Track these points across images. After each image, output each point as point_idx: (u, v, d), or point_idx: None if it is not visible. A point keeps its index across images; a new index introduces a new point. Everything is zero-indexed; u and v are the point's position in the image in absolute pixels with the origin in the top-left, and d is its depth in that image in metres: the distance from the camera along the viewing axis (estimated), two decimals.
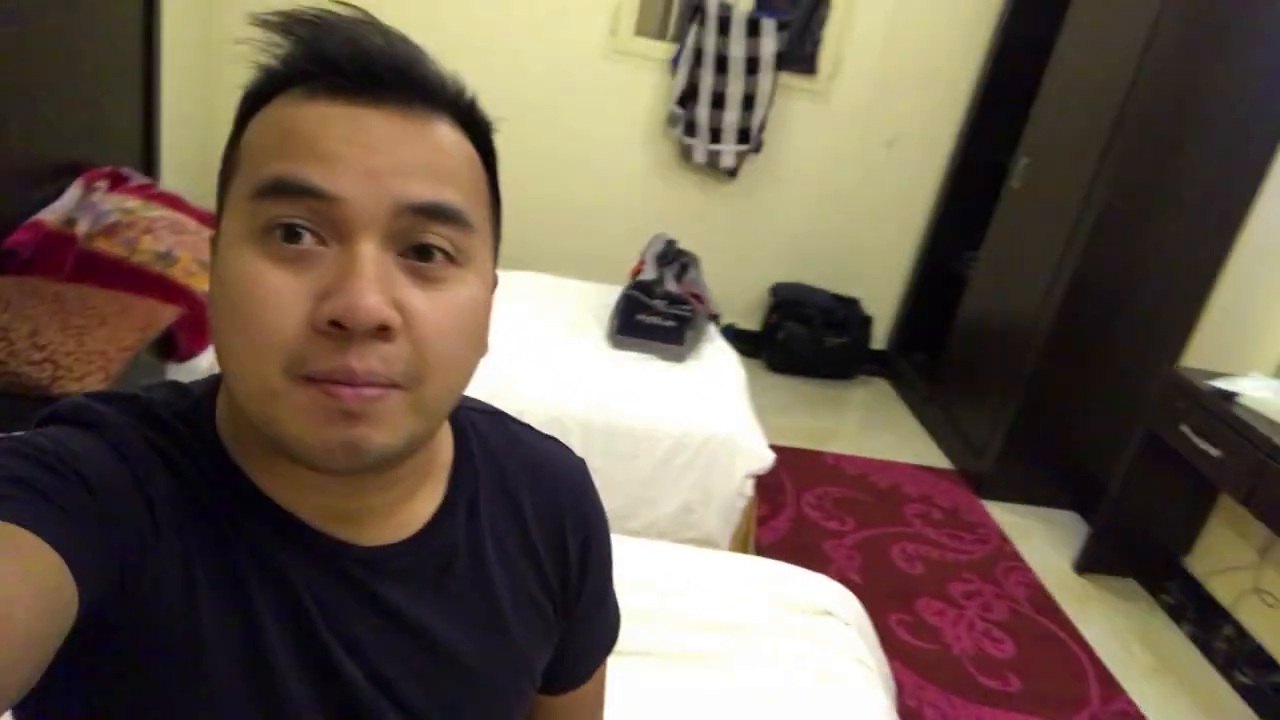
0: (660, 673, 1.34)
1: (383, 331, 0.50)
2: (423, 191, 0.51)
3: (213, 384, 0.60)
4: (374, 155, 0.50)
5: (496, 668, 0.66)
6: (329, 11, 0.53)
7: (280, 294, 0.50)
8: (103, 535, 0.49)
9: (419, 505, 0.63)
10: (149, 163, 2.74)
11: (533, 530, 0.70)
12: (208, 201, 2.43)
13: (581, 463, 0.77)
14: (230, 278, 0.51)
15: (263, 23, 0.52)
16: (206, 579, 0.54)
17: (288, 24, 0.52)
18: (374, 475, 0.57)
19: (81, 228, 2.09)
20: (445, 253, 0.53)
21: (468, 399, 0.72)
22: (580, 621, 0.75)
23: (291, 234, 0.50)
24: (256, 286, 0.50)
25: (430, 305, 0.52)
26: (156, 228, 2.18)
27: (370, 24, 0.53)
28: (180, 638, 0.52)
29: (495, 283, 0.64)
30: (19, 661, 0.40)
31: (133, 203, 2.24)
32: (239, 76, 0.55)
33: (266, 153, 0.52)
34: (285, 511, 0.57)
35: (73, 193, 2.20)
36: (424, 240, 0.52)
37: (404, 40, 0.54)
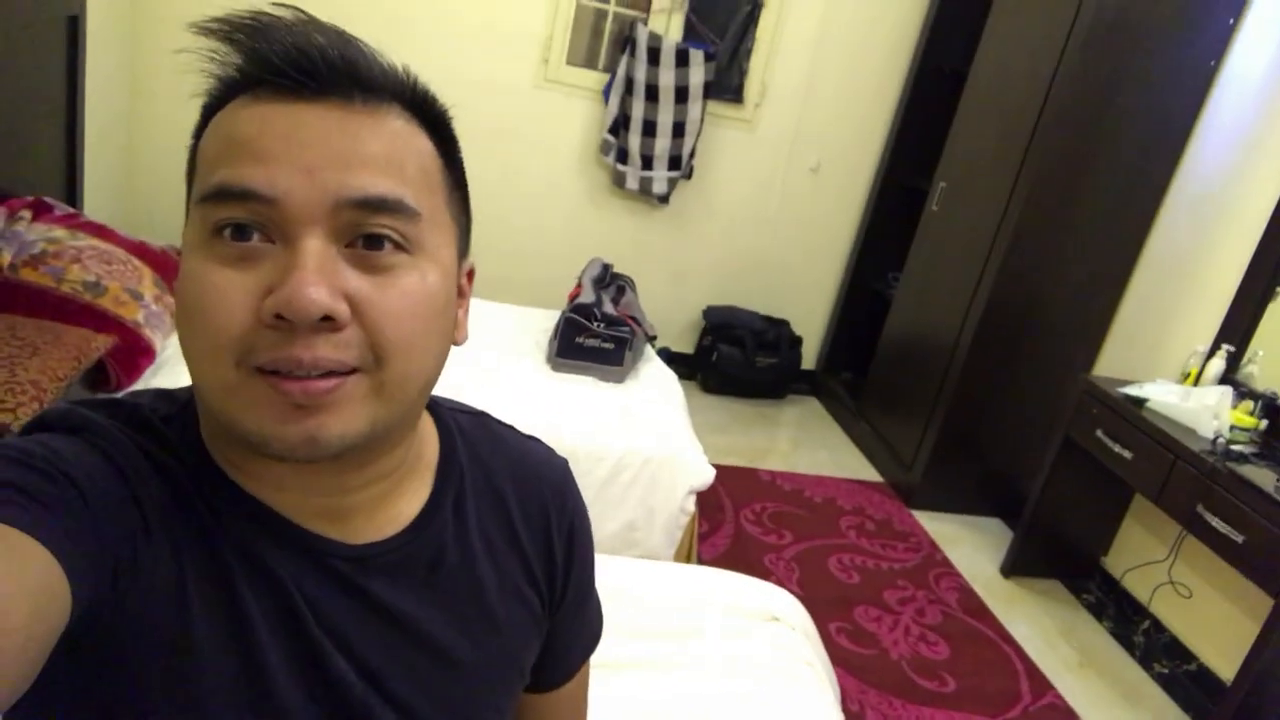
0: (615, 680, 1.37)
1: (328, 322, 0.50)
2: (362, 185, 0.52)
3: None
4: (310, 151, 0.51)
5: (486, 662, 0.67)
6: (266, 14, 0.53)
7: (228, 291, 0.50)
8: (94, 536, 0.49)
9: (405, 503, 0.64)
10: (71, 191, 2.67)
11: (519, 526, 0.71)
12: (132, 231, 2.40)
13: (564, 461, 0.79)
14: (184, 282, 0.52)
15: (203, 30, 0.52)
16: (197, 579, 0.54)
17: (228, 30, 0.53)
18: (353, 470, 0.58)
19: (6, 258, 2.03)
20: (394, 241, 0.53)
21: (451, 402, 0.74)
22: (565, 617, 0.76)
23: (239, 232, 0.51)
24: (206, 286, 0.51)
25: (380, 293, 0.52)
26: (84, 257, 2.14)
27: (309, 22, 0.53)
28: (172, 637, 0.53)
29: (471, 271, 0.66)
30: (14, 662, 0.41)
31: (59, 232, 2.19)
32: (175, 88, 0.56)
33: (213, 159, 0.53)
34: (272, 511, 0.58)
35: None
36: (371, 230, 0.53)
37: (343, 36, 0.54)
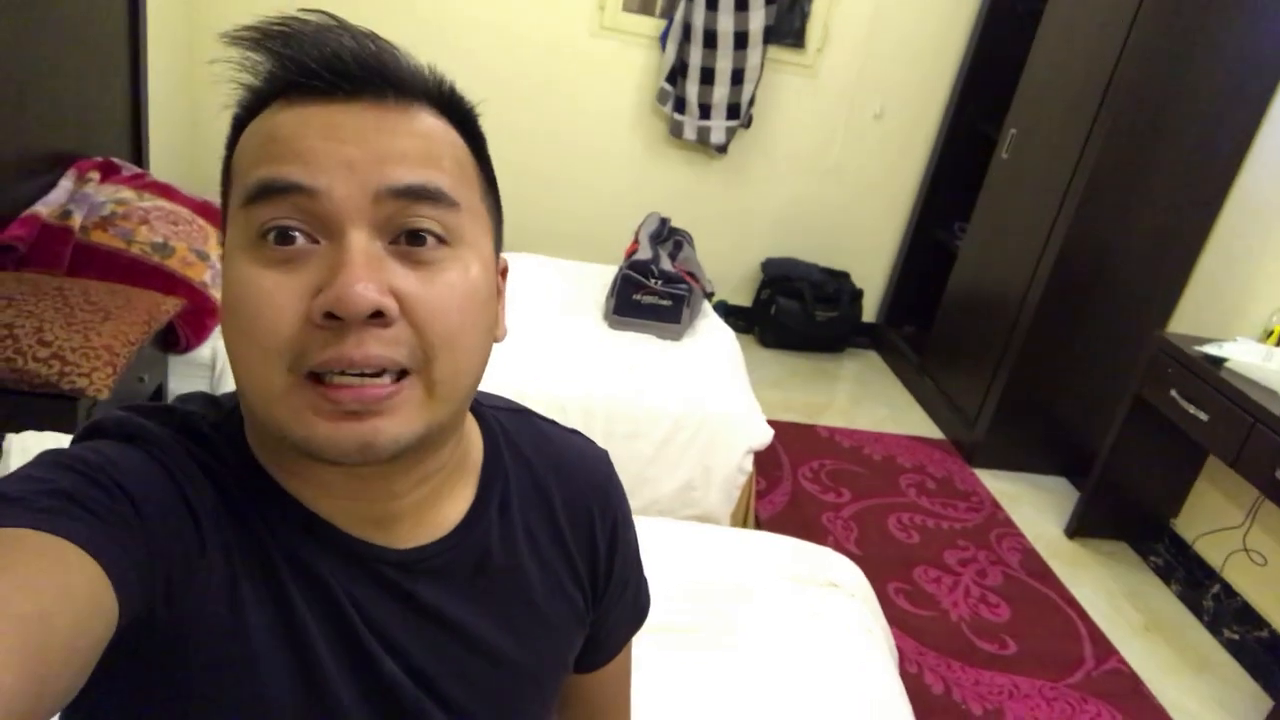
0: (671, 647, 1.38)
1: (378, 318, 0.50)
2: (402, 175, 0.52)
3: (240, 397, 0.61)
4: (350, 147, 0.51)
5: (533, 661, 0.68)
6: (296, 19, 0.53)
7: (276, 294, 0.50)
8: (146, 548, 0.49)
9: (451, 506, 0.64)
10: (138, 151, 2.72)
11: (564, 525, 0.71)
12: (197, 191, 2.43)
13: (605, 455, 0.79)
14: (231, 287, 0.52)
15: (236, 40, 0.53)
16: (250, 587, 0.55)
17: (260, 39, 0.53)
18: (401, 474, 0.58)
19: (77, 220, 2.08)
20: (435, 235, 0.54)
21: (493, 398, 0.74)
22: (609, 604, 0.76)
23: (283, 237, 0.51)
24: (253, 290, 0.51)
25: (425, 288, 0.53)
26: (152, 218, 2.18)
27: (339, 26, 0.54)
28: (229, 647, 0.53)
29: (505, 268, 0.65)
30: (59, 674, 0.41)
31: (126, 193, 2.23)
32: (223, 77, 0.55)
33: (252, 161, 0.53)
34: (320, 518, 0.58)
35: (65, 184, 2.18)
36: (412, 224, 0.53)
37: (373, 38, 0.55)
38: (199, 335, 2.13)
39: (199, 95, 3.30)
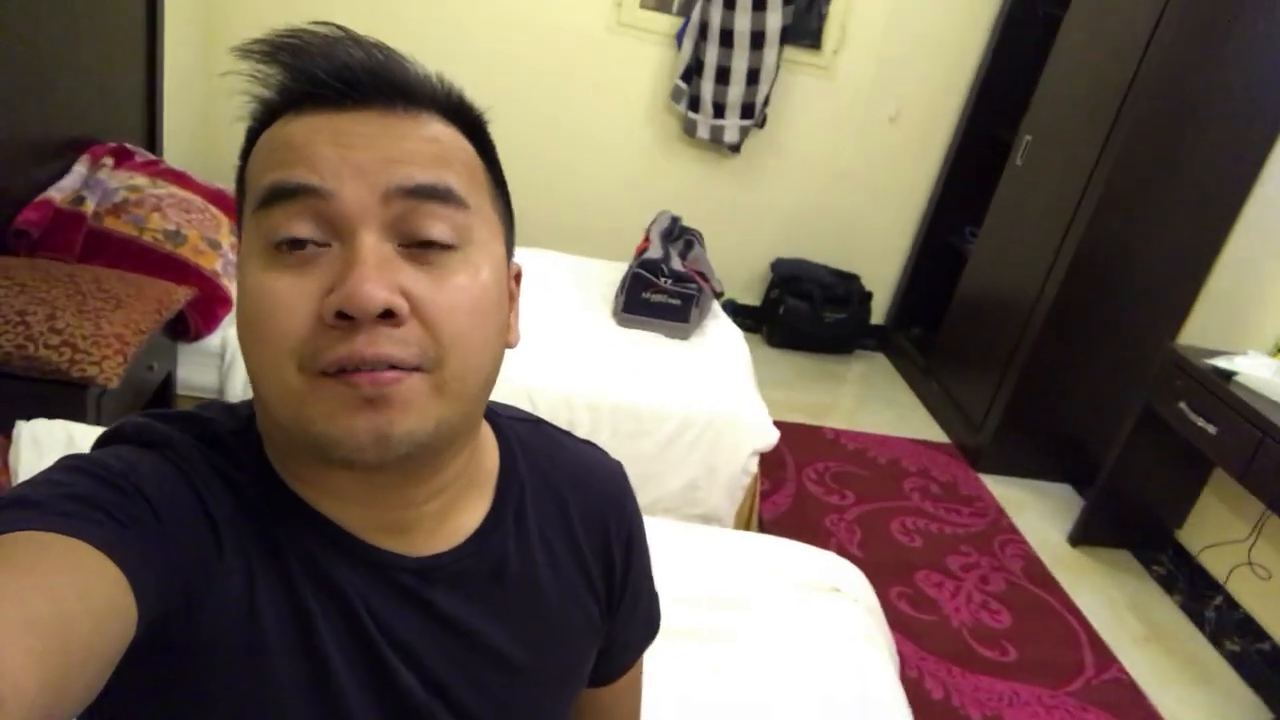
0: (671, 649, 1.38)
1: (389, 317, 0.51)
2: (412, 174, 0.53)
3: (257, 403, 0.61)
4: (359, 152, 0.52)
5: (548, 670, 0.68)
6: (306, 31, 0.54)
7: (287, 296, 0.51)
8: (165, 553, 0.50)
9: (467, 515, 0.64)
10: (152, 138, 2.73)
11: (579, 535, 0.71)
12: (210, 178, 2.44)
13: (619, 465, 0.79)
14: (245, 293, 0.53)
15: (247, 53, 0.54)
16: (267, 593, 0.55)
17: (271, 51, 0.54)
18: (416, 483, 0.58)
19: (90, 206, 2.09)
20: (445, 236, 0.54)
21: (508, 408, 0.74)
22: (622, 617, 0.76)
23: (296, 244, 0.52)
24: (266, 293, 0.52)
25: (436, 289, 0.53)
26: (164, 205, 2.19)
27: (347, 37, 0.55)
28: (243, 651, 0.54)
29: (519, 273, 0.65)
30: (78, 676, 0.41)
31: (140, 180, 2.24)
32: (237, 87, 0.56)
33: (264, 168, 0.54)
34: (337, 526, 0.58)
35: (79, 169, 2.19)
36: (422, 224, 0.53)
37: (381, 48, 0.56)
38: (209, 324, 2.14)
39: (213, 85, 3.30)
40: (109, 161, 2.27)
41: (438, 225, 0.54)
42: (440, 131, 0.56)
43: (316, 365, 0.51)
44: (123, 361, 1.68)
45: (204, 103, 3.26)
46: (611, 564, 0.74)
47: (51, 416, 1.54)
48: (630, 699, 0.84)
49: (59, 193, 2.07)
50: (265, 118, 0.56)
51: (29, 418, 1.51)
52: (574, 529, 0.71)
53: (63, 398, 1.64)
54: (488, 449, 0.67)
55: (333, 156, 0.52)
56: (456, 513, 0.63)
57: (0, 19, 1.82)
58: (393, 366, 0.51)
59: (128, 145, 2.40)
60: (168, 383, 2.13)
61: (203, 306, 2.10)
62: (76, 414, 1.61)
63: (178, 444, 0.55)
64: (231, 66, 0.54)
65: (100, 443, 0.57)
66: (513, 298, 0.63)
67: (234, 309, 2.22)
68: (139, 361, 1.81)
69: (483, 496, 0.66)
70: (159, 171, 2.34)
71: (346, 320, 0.50)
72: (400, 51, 0.57)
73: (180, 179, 2.34)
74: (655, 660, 1.31)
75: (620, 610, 0.76)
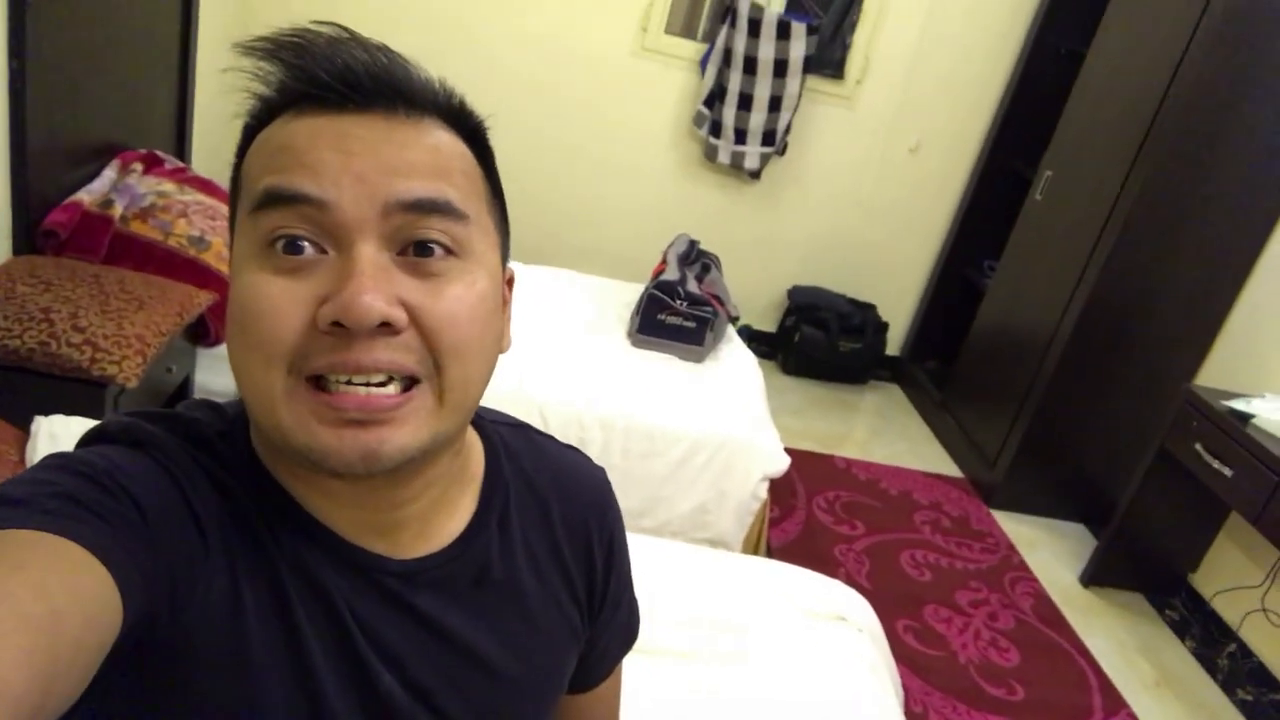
0: (674, 673, 1.37)
1: (386, 328, 0.50)
2: (411, 188, 0.52)
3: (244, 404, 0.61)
4: (360, 159, 0.51)
5: (529, 675, 0.68)
6: (310, 31, 0.53)
7: (280, 300, 0.51)
8: (150, 551, 0.49)
9: (452, 518, 0.64)
10: (181, 146, 2.77)
11: (561, 541, 0.71)
12: None
13: (602, 471, 0.79)
14: (238, 293, 0.53)
15: (249, 50, 0.53)
16: (252, 594, 0.55)
17: (273, 49, 0.53)
18: (403, 486, 0.58)
19: (118, 209, 2.12)
20: (443, 246, 0.54)
21: (493, 412, 0.74)
22: (602, 623, 0.76)
23: (292, 246, 0.51)
24: (258, 296, 0.51)
25: (433, 299, 0.53)
26: (190, 212, 2.22)
27: (351, 39, 0.54)
28: (228, 652, 0.53)
29: (511, 279, 0.65)
30: (66, 675, 0.41)
31: (168, 186, 2.28)
32: (238, 85, 0.56)
33: (261, 170, 0.53)
34: (322, 526, 0.58)
35: (109, 174, 2.23)
36: (420, 236, 0.53)
37: (385, 51, 0.55)
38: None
39: (244, 98, 3.35)
40: (138, 167, 2.31)
41: (436, 237, 0.53)
42: (441, 138, 0.56)
43: (305, 369, 0.51)
44: (142, 362, 1.71)
45: (233, 115, 3.31)
46: (593, 570, 0.74)
47: (69, 413, 1.55)
48: (608, 706, 0.84)
49: (88, 195, 2.11)
50: (264, 115, 0.55)
51: (47, 413, 1.53)
52: (556, 534, 0.71)
53: (82, 395, 1.66)
54: (474, 451, 0.67)
55: (334, 163, 0.51)
56: (442, 515, 0.63)
57: (38, 26, 1.87)
58: (389, 379, 0.51)
59: (158, 152, 2.44)
60: (185, 385, 2.15)
61: (222, 312, 2.12)
62: (94, 412, 1.63)
63: (162, 443, 0.55)
64: (233, 63, 0.54)
65: (84, 441, 0.56)
66: (506, 303, 0.64)
67: None
68: (158, 363, 1.83)
69: (468, 499, 0.66)
70: (186, 179, 2.37)
71: (341, 329, 0.50)
72: (405, 56, 0.56)
73: (207, 187, 2.38)
74: (655, 680, 1.31)
75: (601, 617, 0.76)
